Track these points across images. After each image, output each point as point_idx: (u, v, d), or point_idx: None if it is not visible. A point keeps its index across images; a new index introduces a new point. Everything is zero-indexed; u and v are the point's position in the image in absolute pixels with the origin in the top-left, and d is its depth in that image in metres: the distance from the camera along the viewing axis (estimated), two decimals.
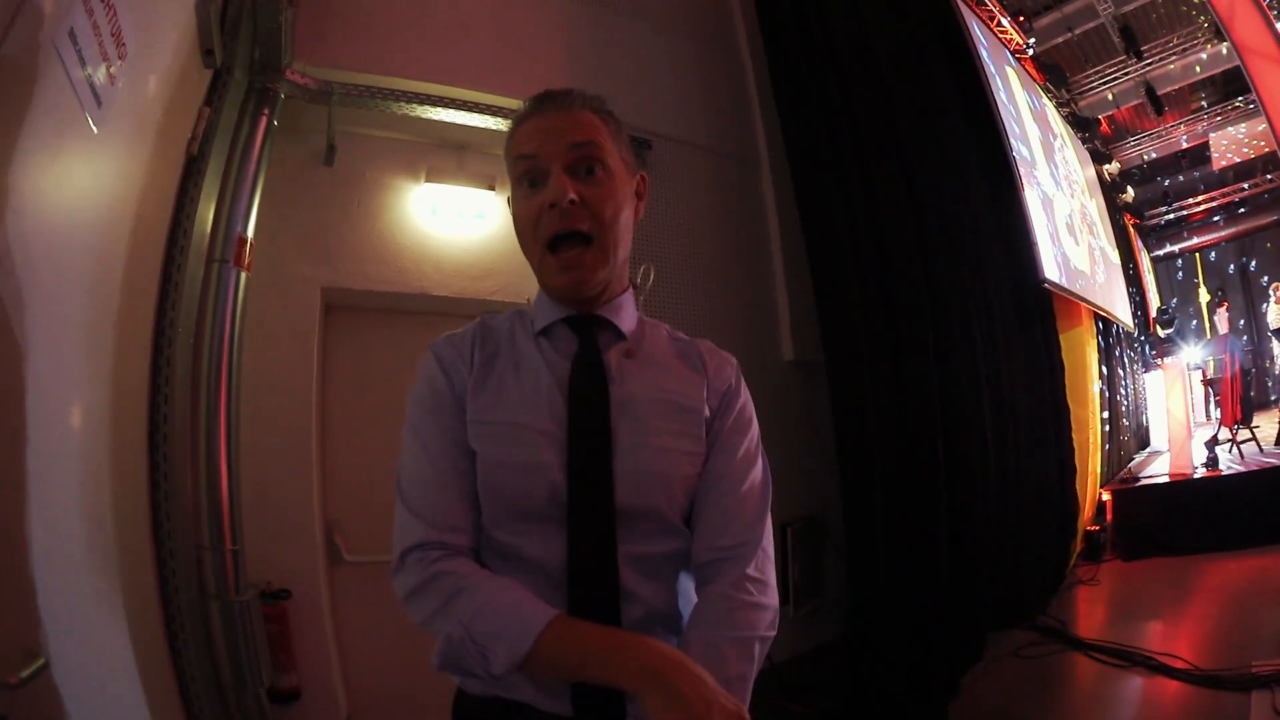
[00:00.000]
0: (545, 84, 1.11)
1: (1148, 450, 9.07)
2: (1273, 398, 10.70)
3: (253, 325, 2.41)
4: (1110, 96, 9.16)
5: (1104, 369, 7.88)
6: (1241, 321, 11.76)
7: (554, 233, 1.02)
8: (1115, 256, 9.09)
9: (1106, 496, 6.18)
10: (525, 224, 1.05)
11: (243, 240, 2.35)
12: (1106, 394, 7.80)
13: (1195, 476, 6.16)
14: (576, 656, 0.87)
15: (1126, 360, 9.45)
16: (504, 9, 3.38)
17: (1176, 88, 8.92)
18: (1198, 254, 12.60)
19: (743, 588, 0.99)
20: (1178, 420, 6.83)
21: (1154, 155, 10.80)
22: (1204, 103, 9.61)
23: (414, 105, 2.97)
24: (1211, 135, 9.94)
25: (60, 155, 1.42)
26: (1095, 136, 9.76)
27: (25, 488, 1.22)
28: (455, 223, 3.14)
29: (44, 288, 1.36)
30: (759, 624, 0.98)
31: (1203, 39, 8.02)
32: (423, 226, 3.10)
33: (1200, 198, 11.57)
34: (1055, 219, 6.38)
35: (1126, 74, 8.77)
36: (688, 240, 3.79)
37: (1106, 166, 10.09)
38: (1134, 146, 10.64)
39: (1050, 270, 5.56)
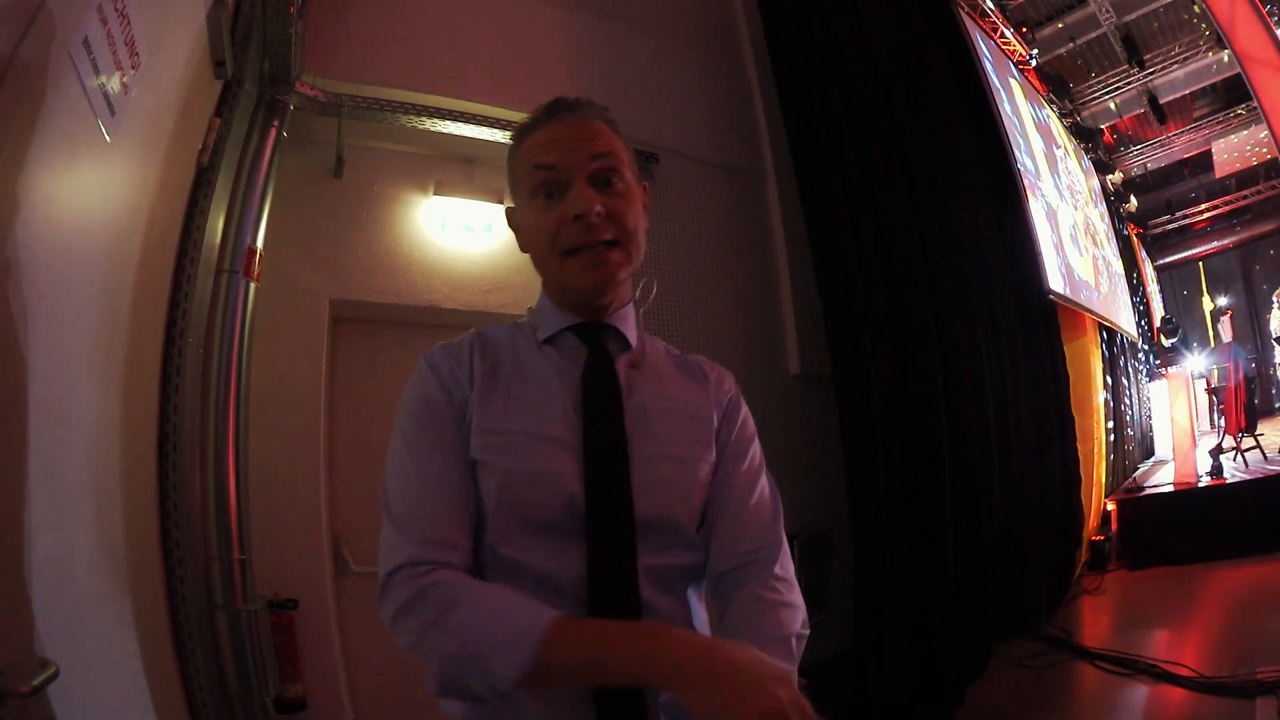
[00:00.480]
0: (554, 98, 1.08)
1: (1152, 459, 9.04)
2: (1277, 405, 10.70)
3: (261, 336, 2.42)
4: (1113, 106, 9.18)
5: (1108, 379, 7.88)
6: (1245, 329, 11.74)
7: (579, 244, 1.00)
8: (1119, 266, 9.09)
9: (1111, 506, 6.16)
10: (542, 235, 1.02)
11: (252, 251, 2.36)
12: (1111, 404, 7.79)
13: (1200, 485, 6.14)
14: (594, 653, 0.80)
15: (1131, 370, 9.44)
16: (514, 23, 3.41)
17: (1178, 96, 8.94)
18: (1201, 263, 12.60)
19: (773, 588, 1.00)
20: (1182, 429, 6.81)
21: (1157, 164, 10.81)
22: (1206, 111, 9.63)
23: (423, 118, 2.99)
24: (1214, 143, 9.96)
25: (73, 162, 1.43)
26: (1098, 146, 9.78)
27: (26, 495, 1.22)
28: (464, 236, 3.15)
29: (55, 294, 1.37)
30: (795, 622, 0.98)
31: (1204, 47, 8.04)
32: (431, 239, 3.11)
33: (1203, 206, 11.58)
34: (1059, 230, 6.39)
35: (1129, 83, 8.79)
36: (694, 254, 3.80)
37: (1110, 176, 10.10)
38: (1137, 156, 10.66)
39: (1055, 281, 5.56)
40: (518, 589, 0.88)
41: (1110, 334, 8.23)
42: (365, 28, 2.99)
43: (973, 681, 3.50)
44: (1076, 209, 7.52)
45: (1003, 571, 4.06)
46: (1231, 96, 9.09)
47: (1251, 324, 11.89)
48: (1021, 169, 5.60)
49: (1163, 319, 9.02)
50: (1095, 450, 6.57)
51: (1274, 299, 9.58)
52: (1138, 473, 8.08)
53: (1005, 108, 5.90)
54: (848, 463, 3.57)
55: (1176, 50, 8.27)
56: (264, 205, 2.45)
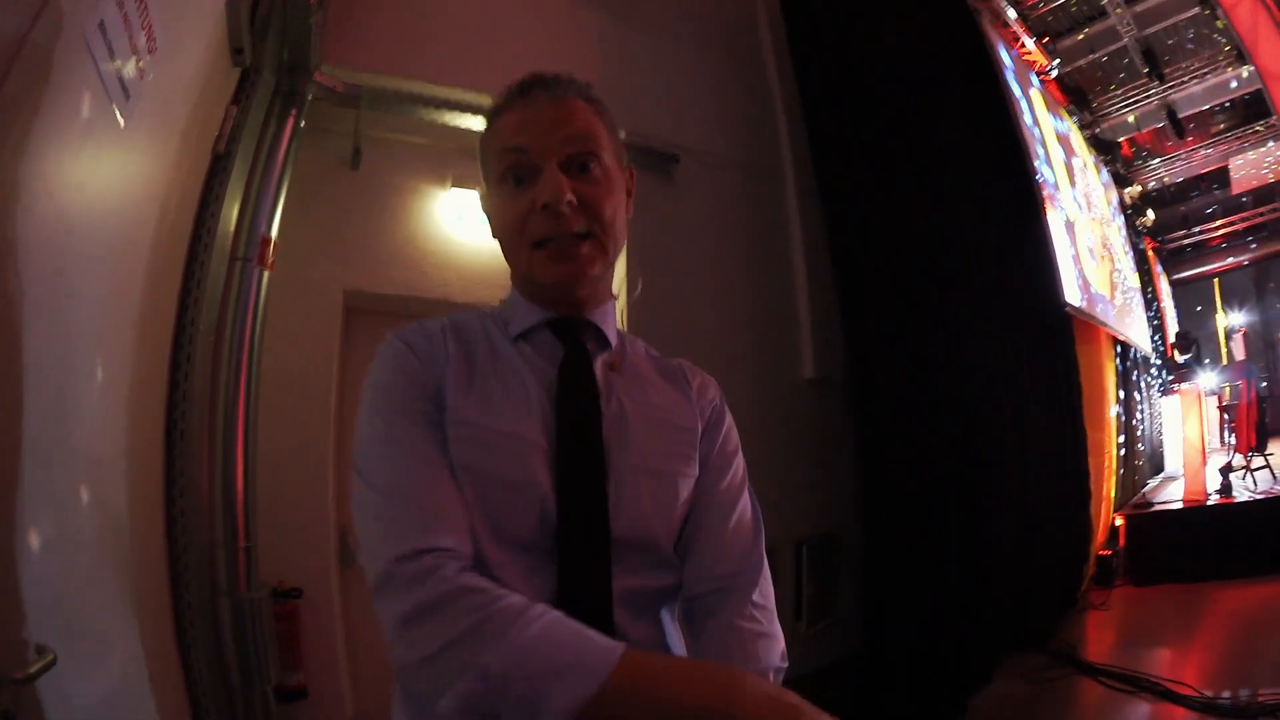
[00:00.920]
0: (530, 73, 0.98)
1: (1162, 475, 8.99)
2: None
3: (274, 325, 2.42)
4: (1132, 119, 9.12)
5: (1121, 392, 7.83)
6: (1258, 346, 11.68)
7: (547, 236, 0.91)
8: (1135, 280, 9.04)
9: (1120, 521, 6.12)
10: (510, 225, 0.93)
11: (266, 240, 2.36)
12: (1123, 418, 7.75)
13: (1209, 503, 6.10)
14: (667, 687, 0.68)
15: (1143, 384, 9.38)
16: (536, 20, 3.41)
17: (1197, 111, 8.88)
18: (1216, 279, 12.52)
19: (751, 617, 0.92)
20: (1193, 446, 6.77)
21: (1174, 179, 10.75)
22: (1224, 126, 9.56)
23: (441, 111, 2.99)
24: (1231, 159, 9.90)
25: (87, 146, 1.41)
26: (1117, 159, 9.73)
27: (20, 481, 1.20)
28: (480, 229, 3.13)
29: (61, 276, 1.35)
30: (774, 655, 0.91)
31: (1224, 62, 7.99)
32: (447, 232, 3.11)
33: (1219, 222, 11.51)
34: (1077, 242, 6.36)
35: (1148, 96, 8.73)
36: (713, 255, 3.80)
37: (1127, 189, 10.05)
38: (1154, 169, 10.60)
39: (1071, 294, 5.54)
40: None
41: (1125, 347, 8.18)
42: (385, 20, 2.99)
43: (976, 693, 3.48)
44: (1094, 221, 7.48)
45: (1010, 583, 4.04)
46: (1250, 113, 9.02)
47: (1264, 342, 11.80)
48: (1041, 180, 5.57)
49: (1177, 334, 8.95)
50: (1106, 464, 6.53)
51: None
52: (1147, 488, 8.04)
53: (1026, 118, 5.87)
54: (860, 469, 3.57)
55: (1196, 65, 8.22)
56: (280, 194, 2.44)
